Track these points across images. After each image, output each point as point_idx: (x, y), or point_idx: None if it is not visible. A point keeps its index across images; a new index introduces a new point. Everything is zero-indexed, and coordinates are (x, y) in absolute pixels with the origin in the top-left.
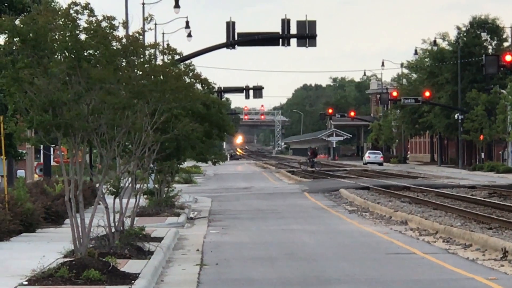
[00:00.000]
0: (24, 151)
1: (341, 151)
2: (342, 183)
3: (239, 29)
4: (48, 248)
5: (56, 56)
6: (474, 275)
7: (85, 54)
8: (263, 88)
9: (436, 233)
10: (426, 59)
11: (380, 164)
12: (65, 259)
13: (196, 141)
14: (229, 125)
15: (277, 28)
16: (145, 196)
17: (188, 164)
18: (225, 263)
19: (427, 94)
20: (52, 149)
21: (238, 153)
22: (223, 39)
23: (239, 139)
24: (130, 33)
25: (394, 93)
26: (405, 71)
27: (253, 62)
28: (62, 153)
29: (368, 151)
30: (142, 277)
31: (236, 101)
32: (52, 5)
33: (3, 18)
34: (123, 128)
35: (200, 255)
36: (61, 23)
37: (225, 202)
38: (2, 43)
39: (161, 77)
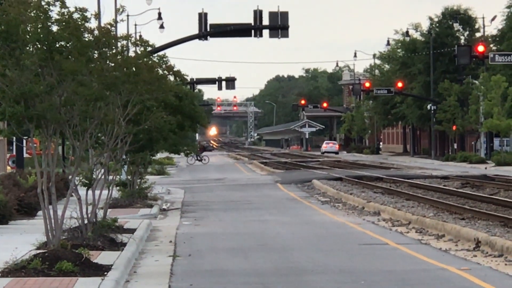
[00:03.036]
0: None
1: (313, 142)
2: (315, 174)
3: (211, 20)
4: (20, 240)
5: (28, 48)
6: (447, 265)
7: (57, 45)
8: (235, 79)
9: (409, 223)
10: (399, 50)
11: (336, 153)
12: (38, 251)
13: (169, 133)
14: (202, 117)
15: (250, 19)
16: (118, 187)
17: (161, 155)
18: (198, 254)
19: (400, 84)
20: (24, 141)
21: (211, 145)
22: (195, 31)
23: (212, 131)
24: (102, 25)
25: (367, 84)
26: (378, 62)
27: (225, 54)
28: (35, 145)
29: (325, 141)
30: (115, 269)
31: (209, 92)
32: None
33: None
34: (96, 120)
35: (173, 247)
36: (32, 14)
37: (198, 193)
38: None
39: (134, 68)
